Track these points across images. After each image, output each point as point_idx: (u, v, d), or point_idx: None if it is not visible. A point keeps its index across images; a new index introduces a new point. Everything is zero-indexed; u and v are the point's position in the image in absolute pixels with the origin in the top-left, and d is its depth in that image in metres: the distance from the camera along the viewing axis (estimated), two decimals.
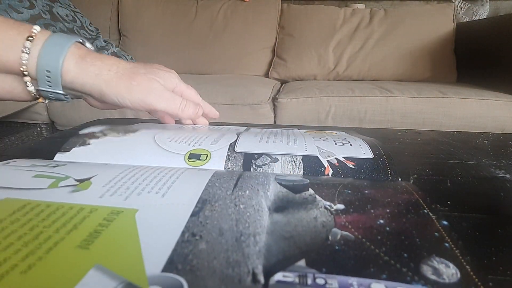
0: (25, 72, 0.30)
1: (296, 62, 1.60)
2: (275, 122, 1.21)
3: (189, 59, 1.68)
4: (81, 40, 0.33)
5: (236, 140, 0.29)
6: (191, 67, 1.67)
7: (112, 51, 1.44)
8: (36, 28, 0.30)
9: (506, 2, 1.79)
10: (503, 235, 0.18)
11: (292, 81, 1.58)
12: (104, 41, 1.49)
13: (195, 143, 0.28)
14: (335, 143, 0.29)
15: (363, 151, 0.27)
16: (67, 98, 0.33)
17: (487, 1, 1.76)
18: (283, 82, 1.58)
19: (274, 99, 1.22)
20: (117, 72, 0.31)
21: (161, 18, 1.71)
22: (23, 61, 0.29)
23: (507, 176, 0.28)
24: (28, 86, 0.31)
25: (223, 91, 1.22)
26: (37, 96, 0.32)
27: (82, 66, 0.30)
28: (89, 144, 0.28)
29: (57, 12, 1.36)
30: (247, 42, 1.67)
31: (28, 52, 0.29)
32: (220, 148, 0.27)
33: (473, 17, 1.76)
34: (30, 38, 0.29)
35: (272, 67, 1.67)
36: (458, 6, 1.77)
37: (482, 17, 1.76)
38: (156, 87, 0.33)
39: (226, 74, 1.64)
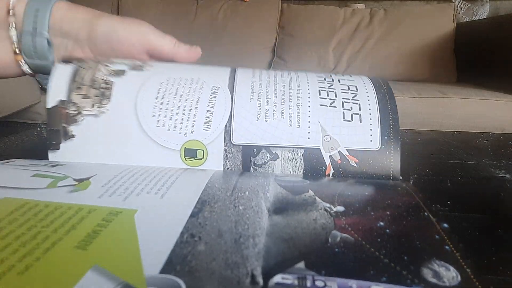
0: (11, 12, 0.28)
1: (296, 62, 1.60)
2: None
3: None
4: None
5: (231, 116, 0.25)
6: None
7: None
8: None
9: (506, 2, 1.79)
10: (503, 235, 0.18)
11: None
12: None
13: (186, 128, 0.25)
14: (343, 116, 0.26)
15: (371, 135, 0.25)
16: (50, 50, 0.30)
17: (487, 1, 1.76)
18: None
19: None
20: (110, 13, 0.31)
21: (161, 18, 1.71)
22: (12, 2, 0.28)
23: (507, 176, 0.28)
24: (10, 30, 0.29)
25: None
26: (18, 51, 0.29)
27: (73, 7, 0.30)
28: (72, 136, 0.26)
29: None
30: (247, 42, 1.67)
31: None
32: (215, 138, 0.25)
33: (473, 17, 1.76)
34: None
35: (272, 67, 1.67)
36: (458, 6, 1.77)
37: (482, 17, 1.76)
38: (148, 24, 0.32)
39: None
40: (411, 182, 0.26)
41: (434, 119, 1.14)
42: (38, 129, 0.42)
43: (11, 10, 0.28)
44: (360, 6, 1.72)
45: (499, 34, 1.34)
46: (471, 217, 0.20)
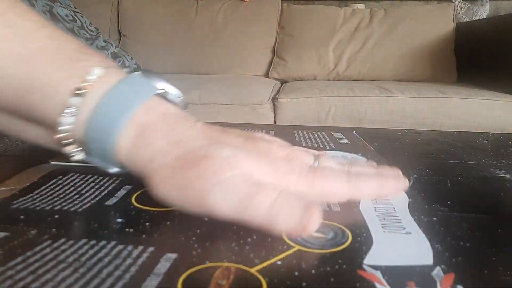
0: (65, 141, 0.20)
1: (296, 62, 1.60)
2: (275, 122, 1.21)
3: (189, 59, 1.68)
4: (162, 89, 0.22)
5: None
6: (191, 67, 1.67)
7: (112, 51, 1.43)
8: (97, 71, 0.20)
9: (506, 2, 1.79)
10: (503, 235, 0.18)
11: (292, 81, 1.58)
12: (104, 41, 1.49)
13: None
14: None
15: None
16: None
17: (487, 1, 1.76)
18: (283, 82, 1.58)
19: (274, 99, 1.22)
20: (177, 157, 0.19)
21: (161, 18, 1.71)
22: (64, 127, 0.20)
23: (507, 176, 0.28)
24: (72, 155, 0.21)
25: (223, 91, 1.22)
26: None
27: (138, 145, 0.20)
28: None
29: (57, 12, 1.36)
30: (247, 42, 1.67)
31: (74, 114, 0.19)
32: None
33: (473, 17, 1.76)
34: (81, 91, 0.19)
35: (272, 67, 1.67)
36: (458, 6, 1.76)
37: (482, 17, 1.76)
38: (228, 178, 0.18)
39: (226, 74, 1.64)
40: (411, 183, 0.26)
41: (434, 119, 1.14)
42: None
43: (64, 139, 0.20)
44: (360, 6, 1.72)
45: (499, 34, 1.34)
46: (471, 217, 0.20)
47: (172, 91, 0.22)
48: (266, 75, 1.69)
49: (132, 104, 0.20)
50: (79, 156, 0.21)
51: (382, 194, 0.22)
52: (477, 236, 0.18)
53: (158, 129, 0.20)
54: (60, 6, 1.40)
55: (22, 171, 0.25)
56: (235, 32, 1.67)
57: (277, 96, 1.21)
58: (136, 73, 0.21)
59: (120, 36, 1.77)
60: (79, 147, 0.21)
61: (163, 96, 0.22)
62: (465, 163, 0.32)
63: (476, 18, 1.75)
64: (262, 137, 0.23)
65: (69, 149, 0.21)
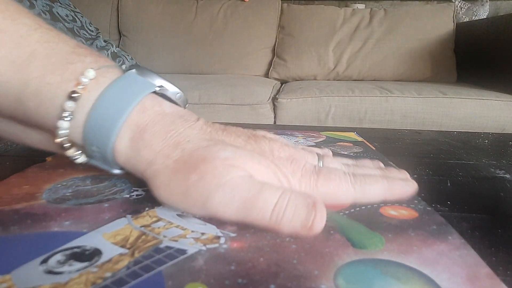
0: (65, 145, 0.20)
1: (296, 62, 1.60)
2: (275, 122, 1.21)
3: (189, 59, 1.68)
4: (159, 87, 0.21)
5: None
6: (191, 67, 1.67)
7: (112, 51, 1.43)
8: (89, 73, 0.19)
9: (506, 2, 1.79)
10: (503, 235, 0.18)
11: (292, 81, 1.58)
12: (104, 41, 1.49)
13: None
14: None
15: None
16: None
17: (487, 1, 1.76)
18: (283, 82, 1.58)
19: (274, 99, 1.22)
20: (177, 159, 0.19)
21: (161, 18, 1.71)
22: (62, 132, 0.19)
23: (507, 176, 0.28)
24: (74, 158, 0.21)
25: (223, 91, 1.22)
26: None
27: (136, 147, 0.19)
28: None
29: (57, 12, 1.36)
30: (247, 42, 1.67)
31: (69, 118, 0.19)
32: None
33: (473, 17, 1.76)
34: (75, 95, 0.19)
35: (272, 67, 1.67)
36: (458, 6, 1.76)
37: (482, 17, 1.76)
38: (229, 180, 0.18)
39: (226, 74, 1.64)
40: None
41: (434, 119, 1.14)
42: None
43: (63, 142, 0.20)
44: (360, 6, 1.72)
45: (499, 34, 1.34)
46: (471, 217, 0.20)
47: (170, 88, 0.22)
48: (266, 75, 1.69)
49: (127, 104, 0.19)
50: (81, 159, 0.21)
51: (389, 198, 0.21)
52: (477, 236, 0.18)
53: (155, 130, 0.19)
54: (60, 6, 1.40)
55: (21, 171, 0.25)
56: (235, 32, 1.67)
57: (277, 96, 1.21)
58: (130, 71, 0.21)
59: (120, 36, 1.77)
60: (79, 151, 0.21)
61: (162, 94, 0.21)
62: (465, 163, 0.32)
63: (476, 18, 1.75)
64: (265, 136, 0.22)
65: (71, 152, 0.21)
